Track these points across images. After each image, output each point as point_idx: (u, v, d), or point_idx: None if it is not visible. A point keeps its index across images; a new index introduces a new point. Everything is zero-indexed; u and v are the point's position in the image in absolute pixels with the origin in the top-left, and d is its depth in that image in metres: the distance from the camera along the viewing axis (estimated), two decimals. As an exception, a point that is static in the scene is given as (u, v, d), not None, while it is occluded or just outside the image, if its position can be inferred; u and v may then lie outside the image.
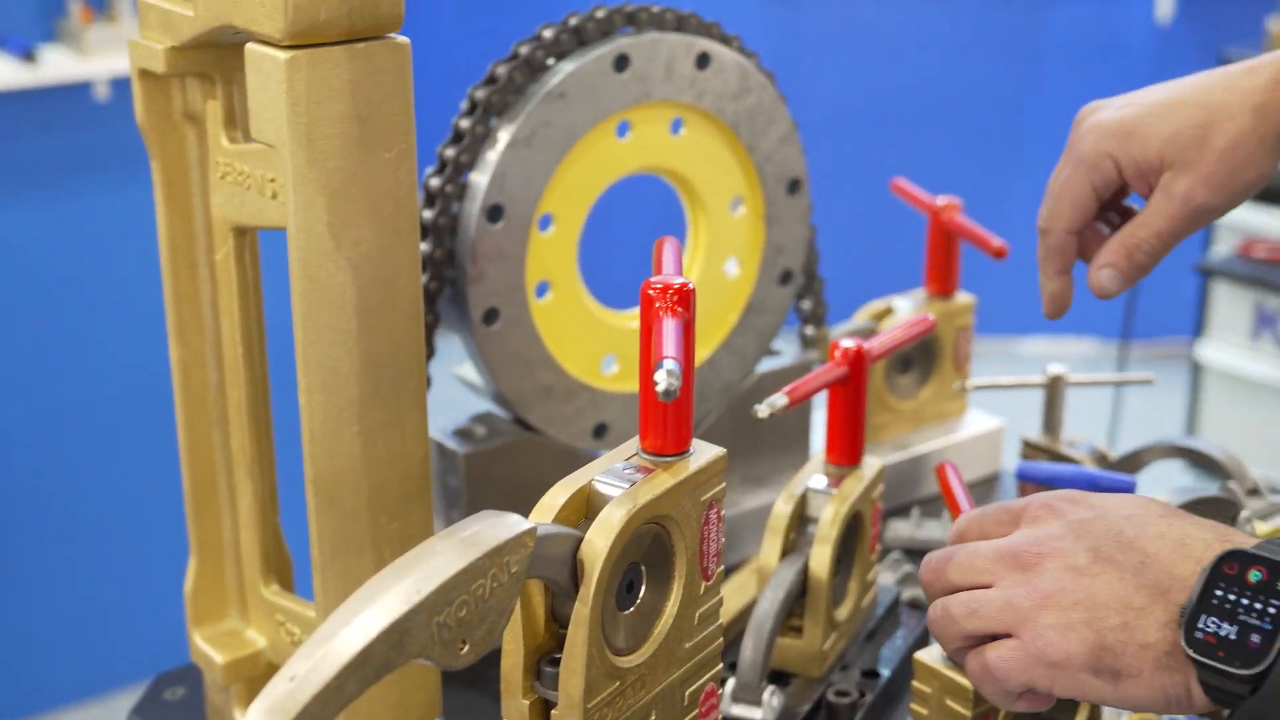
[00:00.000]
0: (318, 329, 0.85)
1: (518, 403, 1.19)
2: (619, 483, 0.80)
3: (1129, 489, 1.18)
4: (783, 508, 1.09)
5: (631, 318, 1.26)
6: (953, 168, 4.55)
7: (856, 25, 4.57)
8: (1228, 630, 0.73)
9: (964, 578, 0.83)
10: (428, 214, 1.14)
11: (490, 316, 1.15)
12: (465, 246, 1.13)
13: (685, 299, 0.81)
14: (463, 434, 1.20)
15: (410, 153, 0.87)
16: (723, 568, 0.86)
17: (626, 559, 0.80)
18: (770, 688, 1.02)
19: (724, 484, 0.85)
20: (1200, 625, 0.73)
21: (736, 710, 1.02)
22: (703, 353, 1.29)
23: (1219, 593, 0.74)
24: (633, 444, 0.84)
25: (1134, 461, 1.30)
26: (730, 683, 1.02)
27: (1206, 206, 0.94)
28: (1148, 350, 4.59)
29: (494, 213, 1.13)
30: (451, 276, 1.15)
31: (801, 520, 1.10)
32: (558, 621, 0.79)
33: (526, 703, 0.78)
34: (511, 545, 0.71)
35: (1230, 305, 3.45)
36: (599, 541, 0.76)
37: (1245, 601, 0.73)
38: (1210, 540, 0.77)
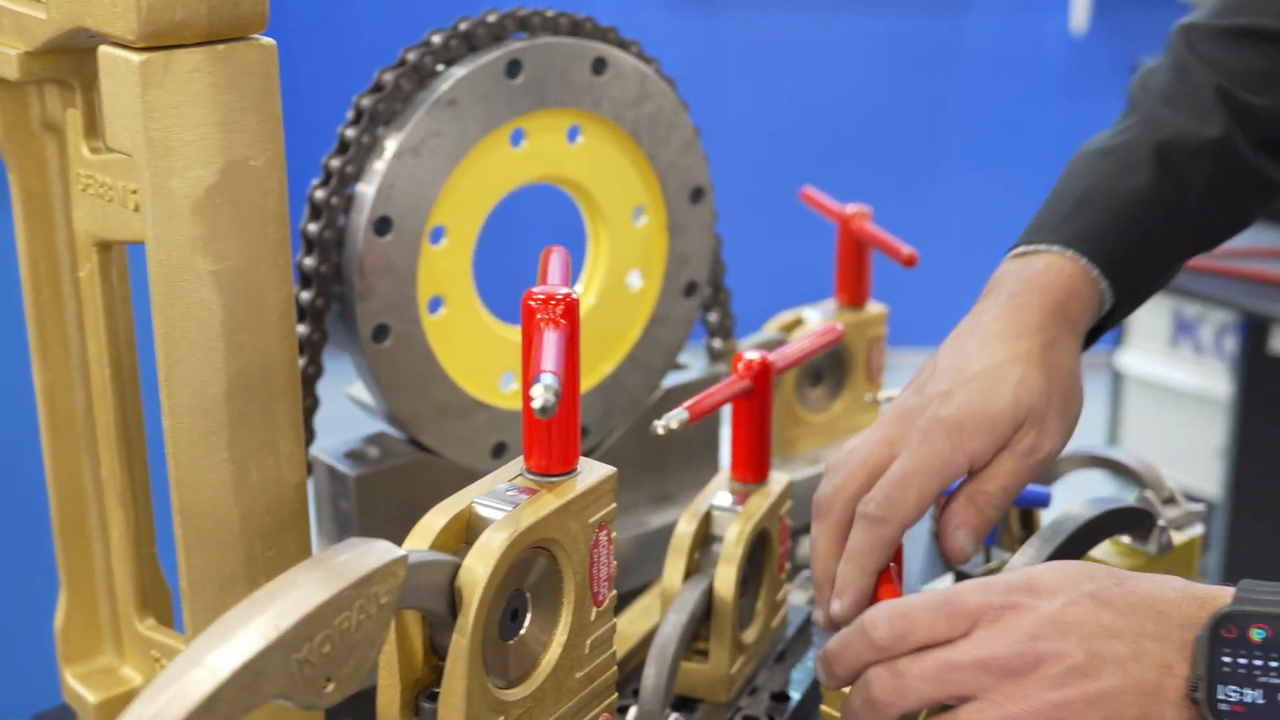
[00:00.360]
0: (181, 348, 0.80)
1: (411, 423, 1.14)
2: (501, 505, 0.76)
3: (1044, 500, 1.16)
4: (685, 527, 1.05)
5: (530, 333, 1.22)
6: (869, 180, 4.55)
7: (772, 37, 4.56)
8: (1252, 696, 0.71)
9: (939, 691, 0.77)
10: (313, 227, 1.09)
11: (380, 333, 1.10)
12: (352, 261, 1.08)
13: (569, 310, 0.76)
14: (354, 456, 1.15)
15: (279, 161, 0.82)
16: (615, 592, 0.82)
17: (509, 586, 0.75)
18: (674, 715, 0.98)
19: (614, 505, 0.80)
20: (1221, 697, 0.72)
21: (638, 740, 0.97)
22: (605, 368, 1.25)
23: (1226, 659, 0.72)
24: (517, 464, 0.80)
25: (1050, 472, 1.27)
26: (632, 711, 0.98)
27: (1049, 454, 0.93)
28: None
29: (382, 225, 1.08)
30: (339, 292, 1.10)
31: (706, 540, 1.06)
32: (437, 653, 0.75)
33: (404, 741, 0.74)
34: (380, 575, 0.66)
35: (1149, 313, 3.46)
36: (478, 568, 0.72)
37: (1259, 663, 0.71)
38: (1178, 600, 0.75)
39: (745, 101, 4.55)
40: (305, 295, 1.10)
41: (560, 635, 0.79)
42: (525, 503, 0.76)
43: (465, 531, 0.76)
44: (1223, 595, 0.75)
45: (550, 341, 0.73)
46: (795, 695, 1.07)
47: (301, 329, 1.11)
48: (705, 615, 1.04)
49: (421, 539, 0.73)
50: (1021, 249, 1.01)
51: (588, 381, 1.24)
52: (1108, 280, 0.99)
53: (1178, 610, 0.75)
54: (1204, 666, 0.72)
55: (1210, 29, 1.09)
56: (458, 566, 0.72)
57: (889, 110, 4.65)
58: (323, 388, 1.14)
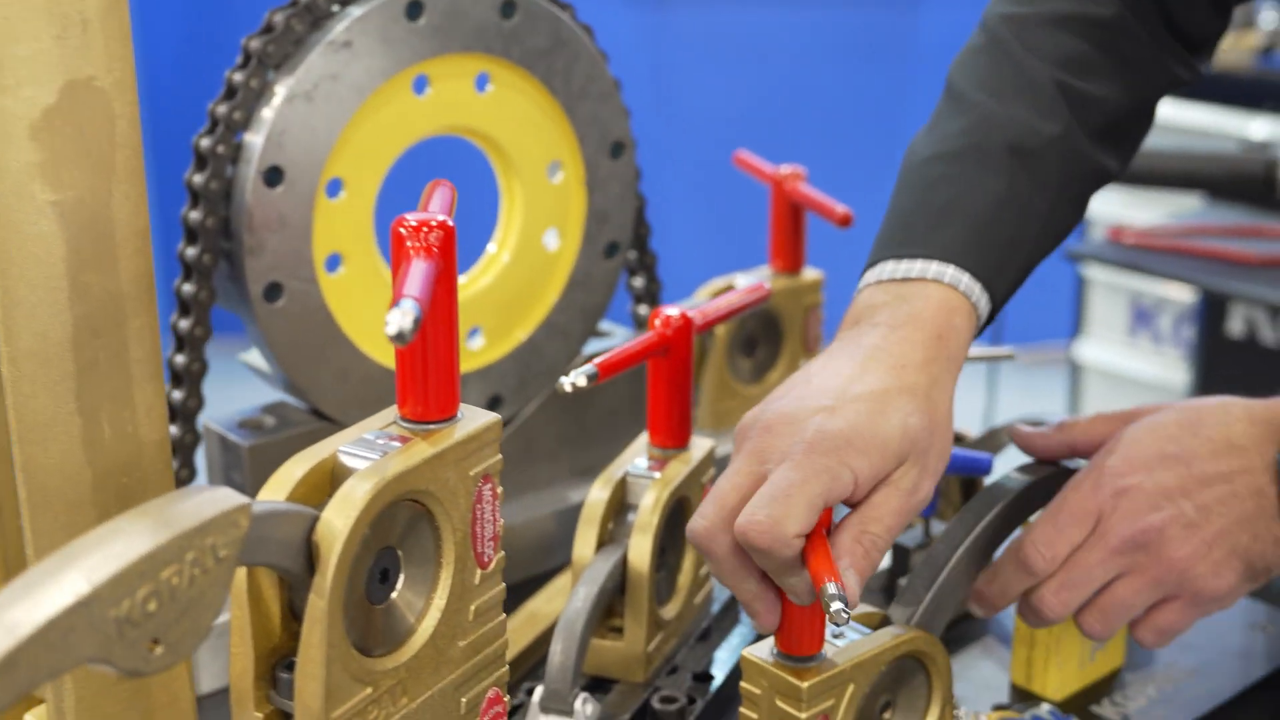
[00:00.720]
0: (20, 288, 0.72)
1: (309, 390, 1.07)
2: (368, 453, 0.68)
3: (986, 467, 1.09)
4: (598, 495, 0.98)
5: (439, 295, 1.14)
6: (826, 173, 4.48)
7: (728, 30, 4.50)
8: None
9: (1093, 585, 0.90)
10: (198, 178, 1.02)
11: (272, 292, 1.03)
12: (241, 214, 1.01)
13: (444, 240, 0.69)
14: (249, 425, 1.07)
15: (129, 82, 0.74)
16: (503, 554, 0.75)
17: (377, 542, 0.68)
18: (583, 695, 0.90)
19: (499, 456, 0.73)
20: None
21: (545, 722, 0.90)
22: (520, 333, 1.18)
23: None
24: (391, 411, 0.72)
25: (992, 442, 1.21)
26: (538, 691, 0.91)
27: (927, 498, 0.86)
28: (1027, 356, 4.55)
29: (272, 175, 1.01)
30: (227, 249, 1.03)
31: (621, 508, 0.99)
32: (296, 618, 0.67)
33: (260, 716, 0.66)
34: (218, 525, 0.59)
35: (1108, 303, 3.41)
36: (337, 521, 0.64)
37: None
38: (1247, 430, 0.89)
39: (701, 95, 4.49)
40: (191, 251, 1.03)
41: (439, 599, 0.71)
42: (395, 451, 0.68)
43: (330, 483, 0.68)
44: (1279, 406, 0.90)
45: (417, 269, 0.65)
46: (718, 675, 1.00)
47: (188, 287, 1.03)
48: (620, 589, 0.96)
49: (278, 490, 0.66)
50: (890, 268, 0.93)
51: (502, 347, 1.17)
52: (987, 293, 0.93)
53: (1251, 441, 0.89)
54: None
55: (1033, 17, 1.02)
56: (315, 519, 0.65)
57: (845, 103, 4.60)
58: (219, 353, 1.06)
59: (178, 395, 1.05)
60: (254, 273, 1.02)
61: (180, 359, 1.04)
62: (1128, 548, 0.89)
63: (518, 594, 1.11)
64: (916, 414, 0.85)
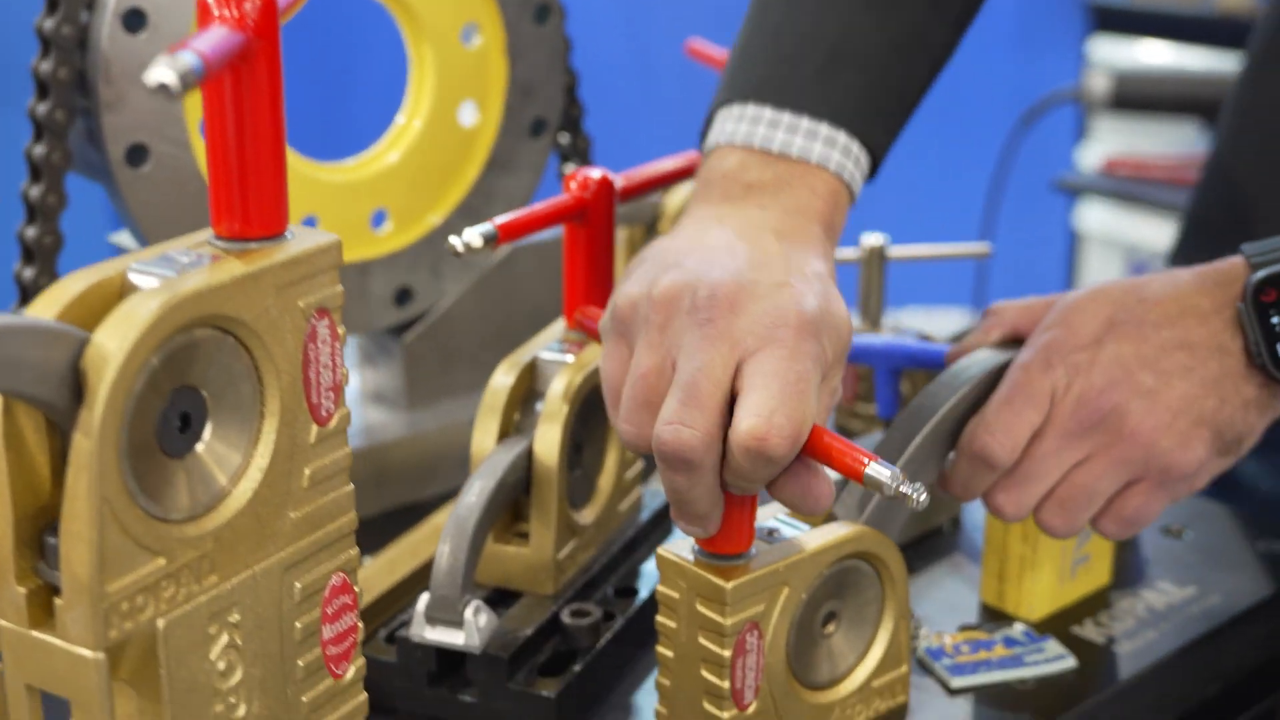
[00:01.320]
0: None
1: (184, 271, 0.94)
2: (164, 270, 0.55)
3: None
4: (502, 380, 0.85)
5: (338, 170, 1.01)
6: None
7: (714, 13, 4.37)
8: None
9: (1056, 477, 0.81)
10: (48, 24, 0.89)
11: (136, 155, 0.90)
12: (97, 63, 0.88)
13: (261, 11, 0.56)
14: (115, 313, 0.95)
15: None
16: (347, 410, 0.62)
17: (171, 379, 0.55)
18: (475, 603, 0.78)
19: (339, 288, 0.60)
20: None
21: (430, 634, 0.77)
22: (434, 218, 1.05)
23: (1275, 320, 0.78)
24: (206, 231, 0.59)
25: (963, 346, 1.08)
26: (423, 598, 0.78)
27: (830, 409, 0.74)
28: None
29: (132, 19, 0.88)
30: (84, 106, 0.90)
31: (529, 396, 0.86)
32: (71, 471, 0.54)
33: (24, 591, 0.53)
34: (-63, 332, 0.46)
35: (1101, 261, 3.27)
36: (110, 343, 0.51)
37: None
38: (1201, 288, 0.80)
39: (688, 78, 4.36)
40: (41, 108, 0.90)
41: (260, 458, 0.58)
42: (198, 268, 0.55)
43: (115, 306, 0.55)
44: (1235, 267, 0.81)
45: (215, 31, 0.52)
46: (644, 591, 0.87)
47: (39, 149, 0.90)
48: (525, 487, 0.84)
49: (47, 308, 0.53)
50: (765, 130, 0.81)
51: (412, 233, 1.04)
52: (870, 157, 0.84)
53: (1205, 299, 0.80)
54: (1257, 333, 0.79)
55: None
56: (85, 342, 0.52)
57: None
58: (82, 229, 0.94)
59: (29, 273, 0.92)
60: (113, 131, 0.89)
61: (31, 231, 0.91)
62: (1084, 429, 0.79)
63: (432, 510, 0.98)
64: (846, 309, 0.74)
